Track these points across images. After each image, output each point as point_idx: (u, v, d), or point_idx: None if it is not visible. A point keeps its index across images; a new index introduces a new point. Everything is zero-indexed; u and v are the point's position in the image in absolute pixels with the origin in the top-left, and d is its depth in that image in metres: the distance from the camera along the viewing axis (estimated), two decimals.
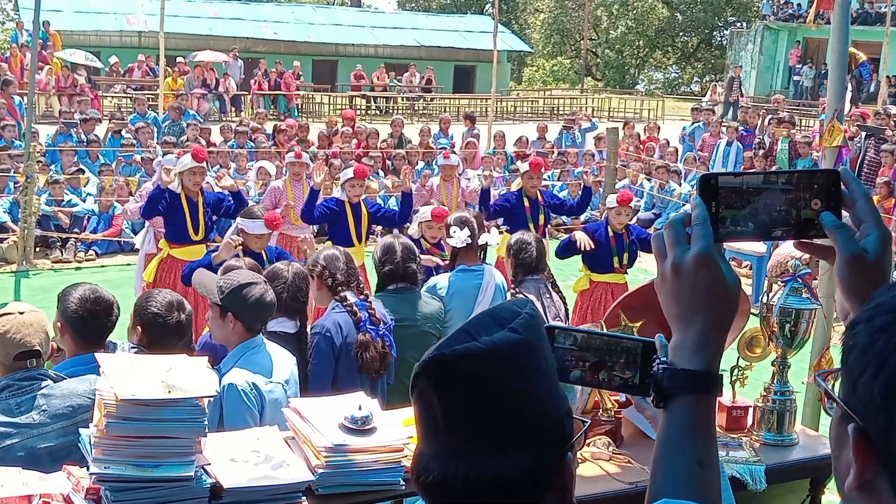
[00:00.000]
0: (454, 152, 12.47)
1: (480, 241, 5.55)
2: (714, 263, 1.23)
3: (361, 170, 7.69)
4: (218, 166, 14.15)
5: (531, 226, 7.86)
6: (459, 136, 17.53)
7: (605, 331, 1.43)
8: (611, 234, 7.22)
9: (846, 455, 0.99)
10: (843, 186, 1.25)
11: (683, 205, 14.13)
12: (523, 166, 8.32)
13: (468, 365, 1.22)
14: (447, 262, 5.89)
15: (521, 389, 1.24)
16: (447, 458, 1.24)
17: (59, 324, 3.36)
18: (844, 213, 1.26)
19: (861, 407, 0.97)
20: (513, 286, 5.45)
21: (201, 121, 17.15)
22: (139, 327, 3.59)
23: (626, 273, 7.35)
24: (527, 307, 1.31)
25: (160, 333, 3.54)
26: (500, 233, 8.07)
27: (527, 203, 8.07)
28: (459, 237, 5.37)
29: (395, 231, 13.03)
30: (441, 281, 5.29)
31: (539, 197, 8.17)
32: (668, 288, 1.25)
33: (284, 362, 3.80)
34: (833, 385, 1.11)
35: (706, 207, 1.24)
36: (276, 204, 8.62)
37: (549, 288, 5.63)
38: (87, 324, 3.29)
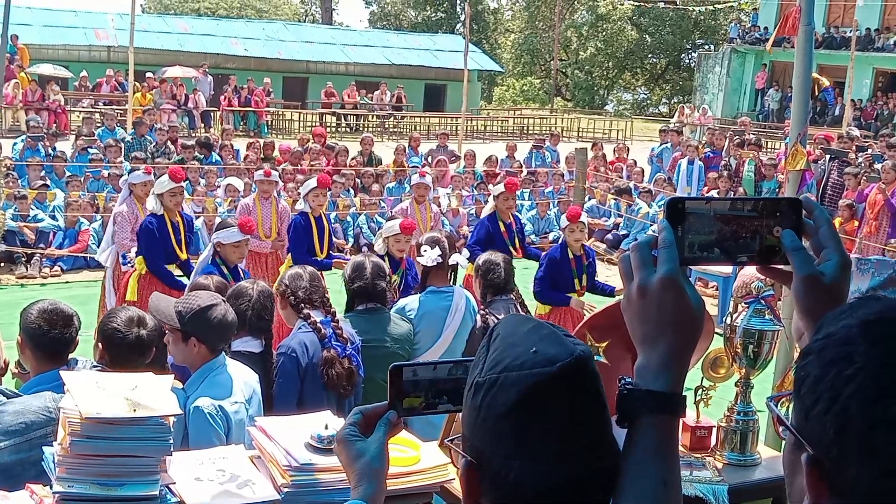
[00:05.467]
0: (429, 171, 12.41)
1: (451, 262, 5.55)
2: (679, 286, 1.25)
3: (324, 179, 7.68)
4: (186, 181, 14.10)
5: (511, 250, 7.73)
6: (429, 155, 17.59)
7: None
8: (570, 256, 7.17)
9: (799, 482, 1.02)
10: (805, 214, 1.28)
11: (651, 225, 14.25)
12: (497, 189, 8.08)
13: (593, 367, 1.28)
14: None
15: (603, 393, 1.29)
16: (564, 459, 1.25)
17: (20, 338, 3.35)
18: (805, 241, 1.29)
19: (814, 438, 1.00)
20: (482, 307, 5.46)
21: (166, 129, 17.04)
22: (100, 344, 3.57)
23: (584, 295, 7.32)
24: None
25: (119, 349, 3.51)
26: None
27: (503, 227, 7.99)
28: (430, 256, 5.38)
29: (365, 249, 13.05)
30: (411, 303, 5.29)
31: (512, 221, 8.11)
32: (634, 310, 1.27)
33: (247, 380, 3.79)
34: (787, 409, 1.13)
35: (673, 231, 1.26)
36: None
37: (519, 308, 5.65)
38: (45, 335, 3.27)
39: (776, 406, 1.25)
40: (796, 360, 1.06)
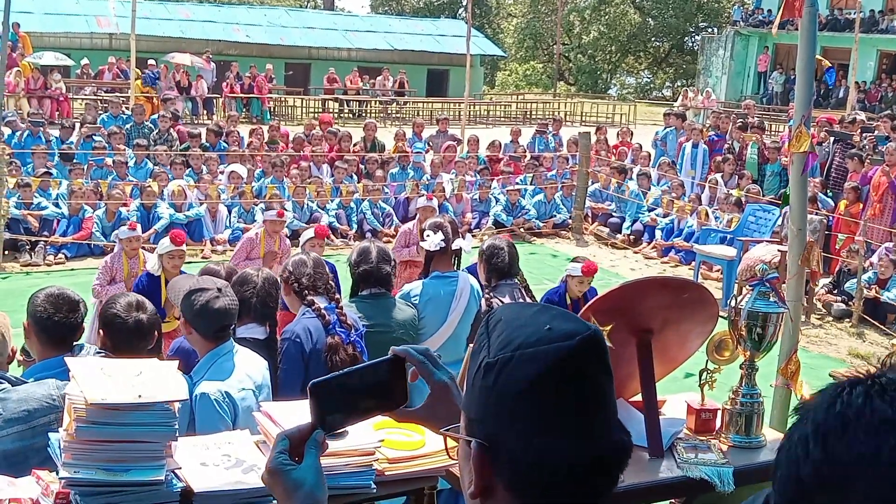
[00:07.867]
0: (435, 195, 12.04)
1: (454, 246, 5.54)
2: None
3: (322, 230, 7.40)
4: (189, 169, 14.10)
5: None
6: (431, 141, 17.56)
7: None
8: (568, 301, 6.77)
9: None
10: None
11: (652, 210, 14.23)
12: (574, 269, 6.82)
13: (605, 342, 1.29)
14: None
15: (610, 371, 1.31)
16: (584, 433, 1.24)
17: (26, 323, 3.37)
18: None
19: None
20: (487, 291, 5.45)
21: (168, 116, 16.95)
22: (101, 330, 3.58)
23: None
24: None
25: (120, 334, 3.52)
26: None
27: (569, 302, 7.55)
28: (433, 241, 5.36)
29: (369, 235, 13.05)
30: (415, 288, 5.29)
31: (581, 298, 7.17)
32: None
33: (256, 367, 3.78)
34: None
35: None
36: (249, 254, 8.39)
37: (524, 292, 5.64)
38: (51, 319, 3.29)
39: None
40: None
